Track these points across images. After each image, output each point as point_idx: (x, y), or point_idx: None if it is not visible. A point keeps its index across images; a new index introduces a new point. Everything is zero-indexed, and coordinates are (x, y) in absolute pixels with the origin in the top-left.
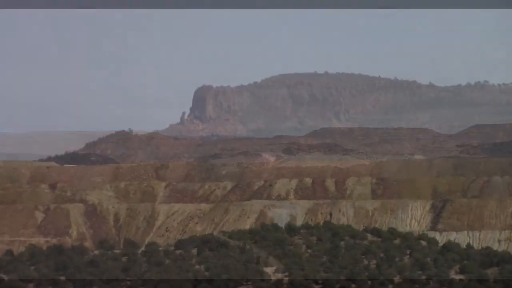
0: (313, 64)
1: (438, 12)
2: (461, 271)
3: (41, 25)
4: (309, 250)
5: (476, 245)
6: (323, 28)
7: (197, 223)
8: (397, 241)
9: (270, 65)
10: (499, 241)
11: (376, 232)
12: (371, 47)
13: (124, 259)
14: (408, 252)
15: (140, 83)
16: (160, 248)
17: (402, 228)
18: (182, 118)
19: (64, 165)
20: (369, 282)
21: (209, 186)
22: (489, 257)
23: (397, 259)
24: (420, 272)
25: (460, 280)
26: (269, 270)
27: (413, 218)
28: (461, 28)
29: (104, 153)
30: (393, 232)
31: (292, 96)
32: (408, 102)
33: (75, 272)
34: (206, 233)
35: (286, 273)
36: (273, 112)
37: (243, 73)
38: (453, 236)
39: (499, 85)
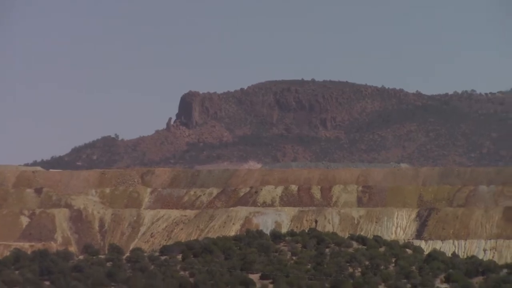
0: (299, 71)
1: (427, 20)
2: (447, 280)
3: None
4: (294, 257)
5: (461, 254)
6: (310, 35)
7: (182, 229)
8: (382, 249)
9: (257, 71)
10: (484, 250)
11: (362, 239)
12: (359, 55)
13: (108, 264)
14: (393, 260)
15: (126, 88)
16: (145, 254)
17: (388, 236)
18: (168, 124)
19: (50, 169)
20: None
21: (194, 192)
22: (474, 266)
23: (382, 267)
24: (405, 280)
25: None
26: (254, 277)
27: (398, 226)
28: (448, 37)
29: (90, 158)
30: (378, 240)
31: (279, 103)
32: (395, 110)
33: (59, 277)
34: (191, 239)
35: (271, 280)
36: (259, 119)
37: (229, 79)
38: (439, 245)
39: (486, 94)
